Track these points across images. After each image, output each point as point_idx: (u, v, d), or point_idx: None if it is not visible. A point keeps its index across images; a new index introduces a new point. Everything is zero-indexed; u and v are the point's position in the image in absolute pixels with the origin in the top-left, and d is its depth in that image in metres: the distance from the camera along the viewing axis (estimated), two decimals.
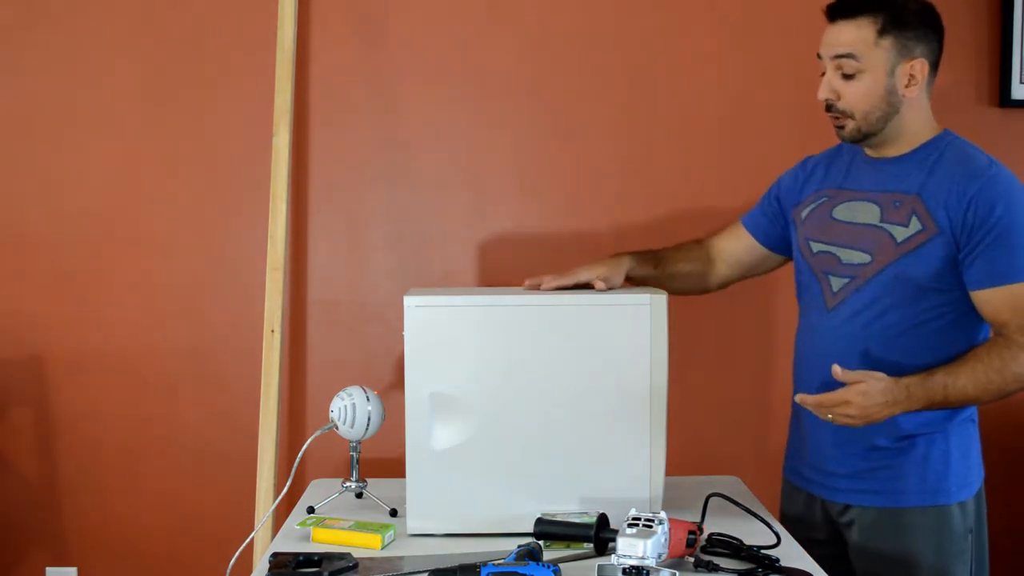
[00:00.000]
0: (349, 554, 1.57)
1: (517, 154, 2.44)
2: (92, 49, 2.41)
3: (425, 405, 1.70)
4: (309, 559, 1.55)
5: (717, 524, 1.70)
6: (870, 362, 1.71)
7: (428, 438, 1.70)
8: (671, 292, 1.78)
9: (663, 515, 1.48)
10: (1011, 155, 2.44)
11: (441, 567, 1.47)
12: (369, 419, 1.83)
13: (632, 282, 1.96)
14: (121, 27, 2.40)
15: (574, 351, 1.70)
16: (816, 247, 1.85)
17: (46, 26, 2.40)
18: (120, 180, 2.42)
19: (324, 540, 1.69)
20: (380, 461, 2.19)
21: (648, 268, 1.96)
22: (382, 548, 1.66)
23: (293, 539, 1.71)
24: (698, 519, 1.68)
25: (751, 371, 2.40)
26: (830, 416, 1.64)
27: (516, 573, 1.42)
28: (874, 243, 1.76)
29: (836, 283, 1.81)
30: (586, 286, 1.84)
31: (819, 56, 1.79)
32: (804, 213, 1.90)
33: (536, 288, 1.83)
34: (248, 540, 1.84)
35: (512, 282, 1.98)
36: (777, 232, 1.98)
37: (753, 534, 1.65)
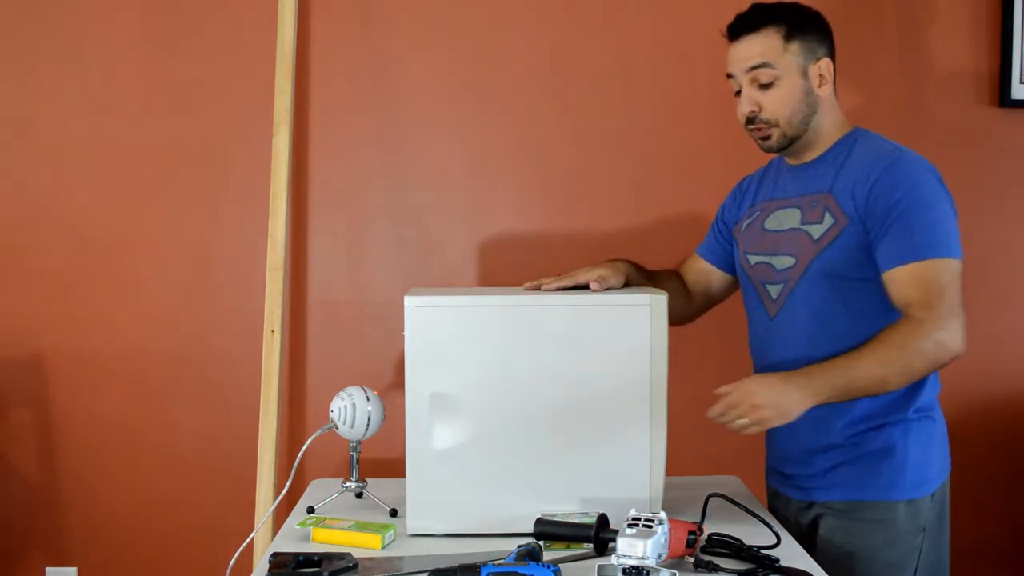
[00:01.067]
0: (349, 554, 1.57)
1: (517, 154, 2.44)
2: (92, 50, 2.41)
3: (425, 405, 1.70)
4: (309, 559, 1.55)
5: (717, 524, 1.70)
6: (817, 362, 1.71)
7: (428, 438, 1.70)
8: None
9: (663, 515, 1.48)
10: (1011, 155, 2.46)
11: (441, 567, 1.47)
12: (369, 419, 1.83)
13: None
14: (121, 28, 2.40)
15: (574, 351, 1.70)
16: (753, 259, 1.90)
17: (46, 27, 2.40)
18: (120, 180, 2.42)
19: (324, 540, 1.69)
20: (380, 461, 2.19)
21: (643, 279, 1.98)
22: (382, 548, 1.66)
23: (293, 539, 1.71)
24: (698, 519, 1.68)
25: (751, 371, 2.39)
26: (746, 420, 1.60)
27: (516, 573, 1.41)
28: (796, 245, 1.81)
29: (773, 291, 1.85)
30: (586, 287, 1.84)
31: (729, 76, 1.84)
32: (742, 229, 1.96)
33: (536, 290, 1.83)
34: (248, 540, 1.84)
35: (512, 282, 1.98)
36: (731, 255, 2.02)
37: (753, 534, 1.65)
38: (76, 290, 2.43)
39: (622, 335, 1.71)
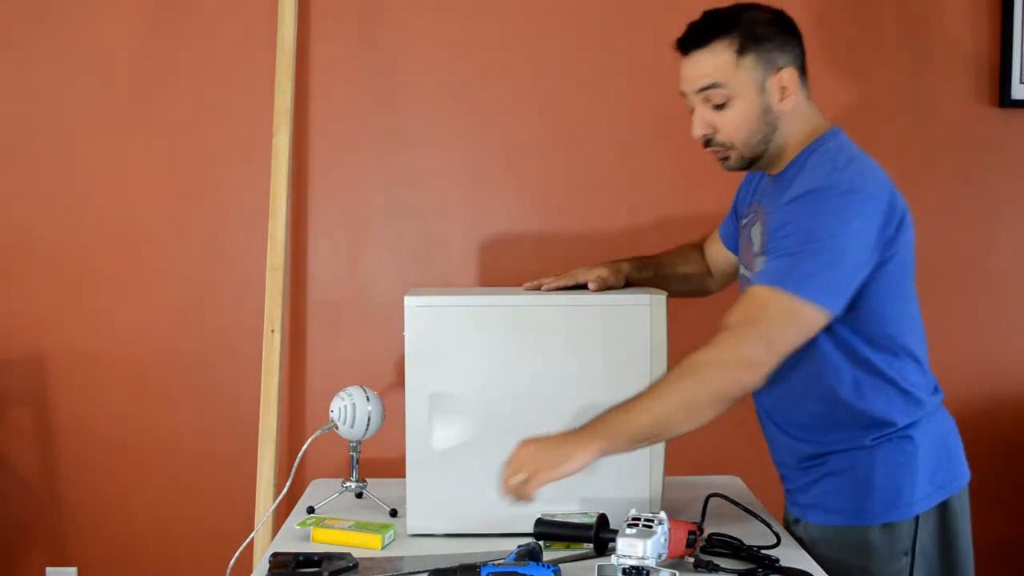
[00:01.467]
0: (349, 554, 1.57)
1: (517, 154, 2.43)
2: (92, 49, 2.41)
3: (425, 405, 1.70)
4: (309, 559, 1.55)
5: (717, 524, 1.70)
6: (785, 388, 1.64)
7: (428, 438, 1.70)
8: (673, 295, 1.78)
9: (663, 515, 1.48)
10: (1011, 155, 2.46)
11: (441, 567, 1.47)
12: (369, 419, 1.83)
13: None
14: (121, 28, 2.40)
15: (574, 351, 1.70)
16: (741, 269, 1.82)
17: (46, 26, 2.40)
18: (120, 180, 2.42)
19: (324, 540, 1.69)
20: (380, 461, 2.19)
21: (647, 273, 1.96)
22: (382, 548, 1.66)
23: (293, 539, 1.71)
24: (698, 519, 1.68)
25: None
26: (521, 476, 1.47)
27: (516, 573, 1.42)
28: (756, 266, 1.70)
29: None
30: (585, 287, 1.84)
31: (683, 94, 1.69)
32: (741, 228, 1.86)
33: (536, 290, 1.83)
34: (248, 540, 1.84)
35: (512, 282, 1.98)
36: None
37: (753, 534, 1.65)
38: (76, 290, 2.43)
39: (622, 335, 1.71)
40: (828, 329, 1.57)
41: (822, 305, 1.51)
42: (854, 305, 1.57)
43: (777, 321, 1.50)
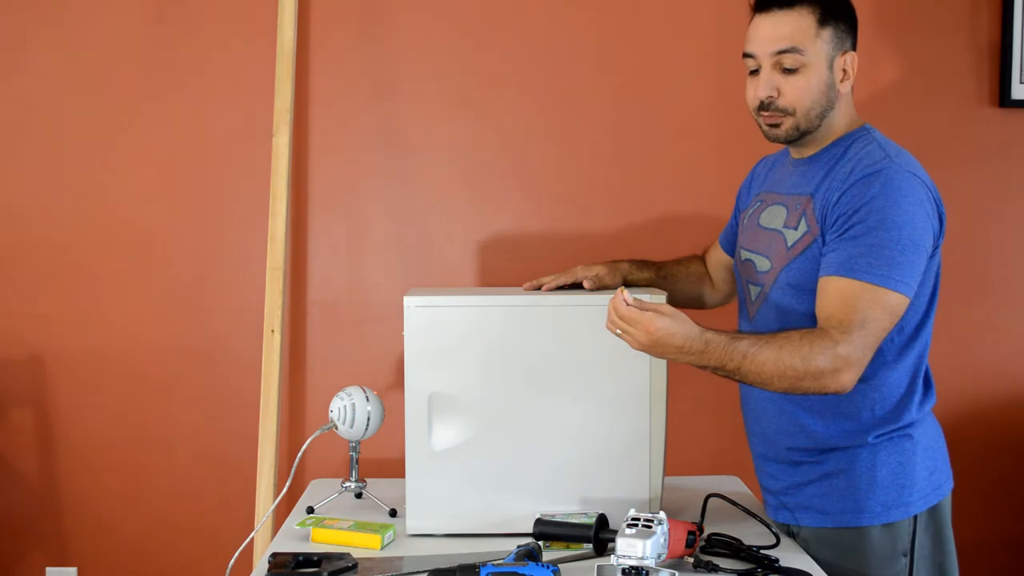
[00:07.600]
0: (348, 554, 1.57)
1: (517, 154, 2.44)
2: (92, 49, 2.41)
3: (425, 405, 1.70)
4: (308, 559, 1.55)
5: (716, 524, 1.70)
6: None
7: (428, 438, 1.70)
8: (671, 298, 1.78)
9: (662, 515, 1.48)
10: (1011, 155, 2.46)
11: (441, 567, 1.47)
12: (369, 419, 1.83)
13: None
14: (121, 27, 2.40)
15: (574, 351, 1.70)
16: (744, 255, 1.81)
17: (46, 26, 2.40)
18: (120, 180, 2.42)
19: (323, 540, 1.69)
20: (380, 461, 2.19)
21: (647, 273, 1.95)
22: (381, 548, 1.66)
23: (292, 539, 1.71)
24: (698, 519, 1.68)
25: None
26: (618, 332, 1.52)
27: (516, 573, 1.42)
28: (774, 248, 1.71)
29: (753, 291, 1.76)
30: (581, 285, 1.84)
31: (748, 55, 1.69)
32: (745, 219, 1.84)
33: (536, 290, 1.83)
34: (248, 540, 1.84)
35: (512, 282, 1.98)
36: None
37: (752, 534, 1.65)
38: (76, 290, 2.43)
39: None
40: None
41: (905, 294, 1.56)
42: None
43: (873, 320, 1.53)
